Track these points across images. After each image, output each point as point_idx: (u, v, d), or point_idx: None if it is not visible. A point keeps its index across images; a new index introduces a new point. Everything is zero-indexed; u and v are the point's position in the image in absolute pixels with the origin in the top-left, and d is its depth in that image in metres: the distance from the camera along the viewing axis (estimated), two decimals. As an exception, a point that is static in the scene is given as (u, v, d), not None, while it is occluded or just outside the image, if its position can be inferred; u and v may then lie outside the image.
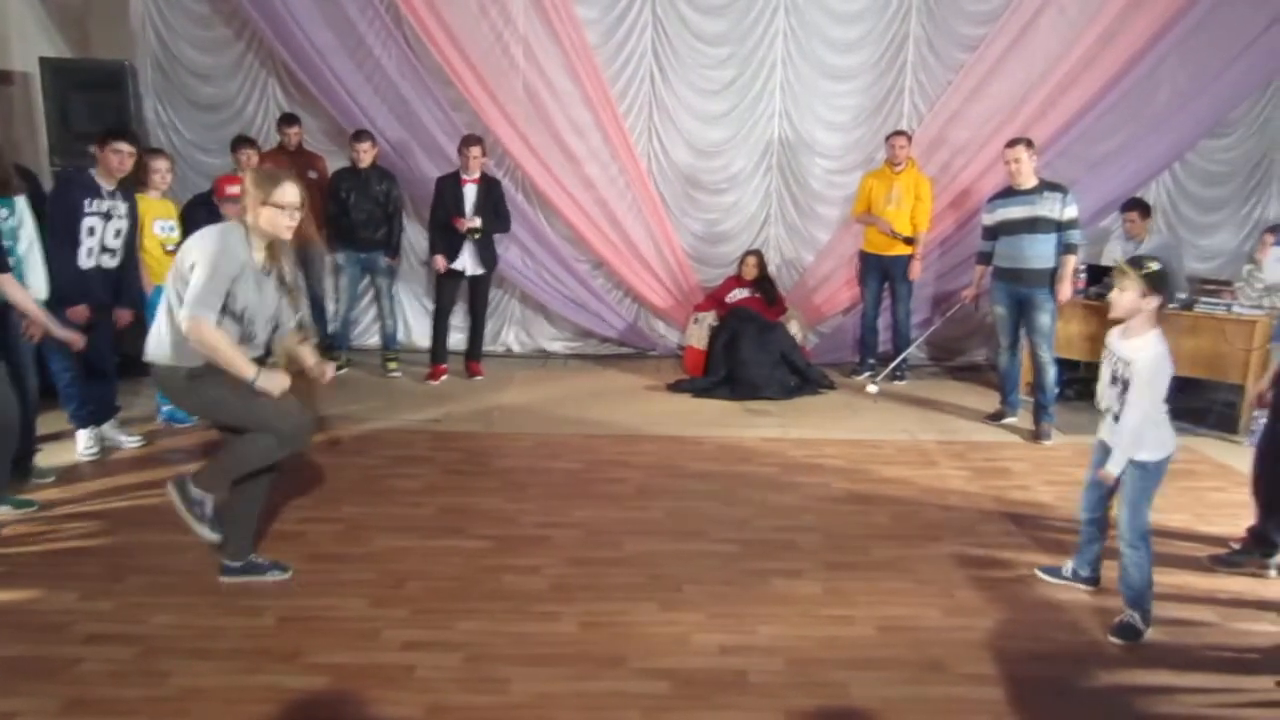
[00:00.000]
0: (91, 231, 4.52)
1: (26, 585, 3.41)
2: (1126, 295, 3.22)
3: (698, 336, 6.77)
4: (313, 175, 6.47)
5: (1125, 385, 3.24)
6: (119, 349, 4.92)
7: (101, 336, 4.67)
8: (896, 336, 6.76)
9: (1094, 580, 3.63)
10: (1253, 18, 6.68)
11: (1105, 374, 3.39)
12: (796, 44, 7.04)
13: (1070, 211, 5.43)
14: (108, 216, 4.58)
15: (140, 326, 5.00)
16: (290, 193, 3.15)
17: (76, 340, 4.16)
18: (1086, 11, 6.73)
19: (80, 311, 4.44)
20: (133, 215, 4.74)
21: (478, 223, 6.13)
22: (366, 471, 4.67)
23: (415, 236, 7.05)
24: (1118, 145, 7.03)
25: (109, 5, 6.71)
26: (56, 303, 4.38)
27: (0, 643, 3.04)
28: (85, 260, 4.52)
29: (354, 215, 6.22)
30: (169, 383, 3.25)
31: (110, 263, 4.66)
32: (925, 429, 5.68)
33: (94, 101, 6.04)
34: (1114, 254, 6.60)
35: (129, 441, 4.91)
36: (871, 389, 6.31)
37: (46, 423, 4.71)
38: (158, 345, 3.18)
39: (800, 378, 6.44)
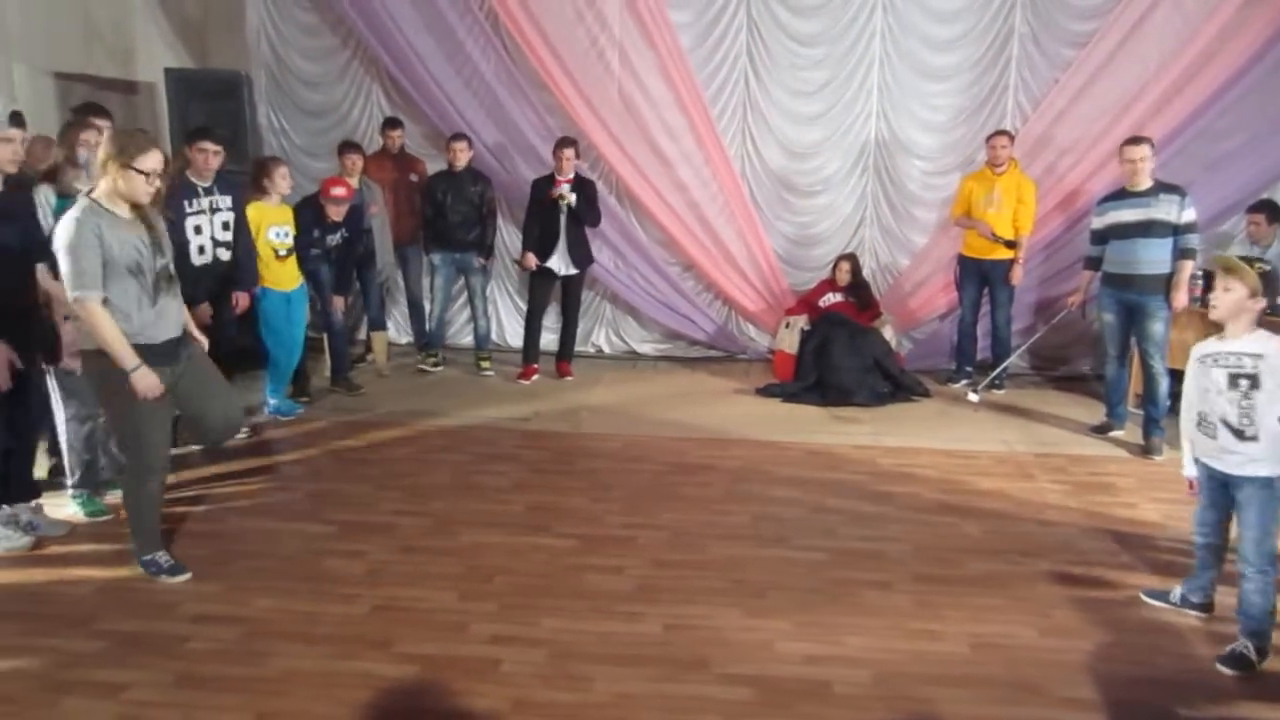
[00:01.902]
0: (199, 230, 4.76)
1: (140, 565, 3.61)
2: (1232, 295, 3.05)
3: (788, 340, 6.69)
4: (414, 178, 6.67)
5: (1252, 381, 3.02)
6: (234, 344, 5.15)
7: (218, 330, 4.88)
8: (995, 343, 6.55)
9: (1206, 607, 3.41)
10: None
11: (1205, 384, 3.17)
12: (894, 43, 6.89)
13: (1188, 214, 5.17)
14: (212, 211, 4.80)
15: (254, 316, 5.28)
16: (153, 159, 3.19)
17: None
18: (1205, 5, 6.38)
19: (204, 311, 4.66)
20: (239, 206, 4.96)
21: (571, 196, 6.19)
22: (457, 468, 4.78)
23: (510, 238, 7.18)
24: (1239, 144, 6.63)
25: (227, 17, 7.08)
26: None
27: (117, 618, 3.24)
28: (198, 258, 4.75)
29: (449, 217, 6.37)
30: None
31: (226, 255, 4.89)
32: (1024, 440, 5.48)
33: (212, 110, 6.37)
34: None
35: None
36: (973, 397, 6.13)
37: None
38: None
39: (893, 384, 6.30)
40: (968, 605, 3.48)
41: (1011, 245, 6.35)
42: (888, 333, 6.64)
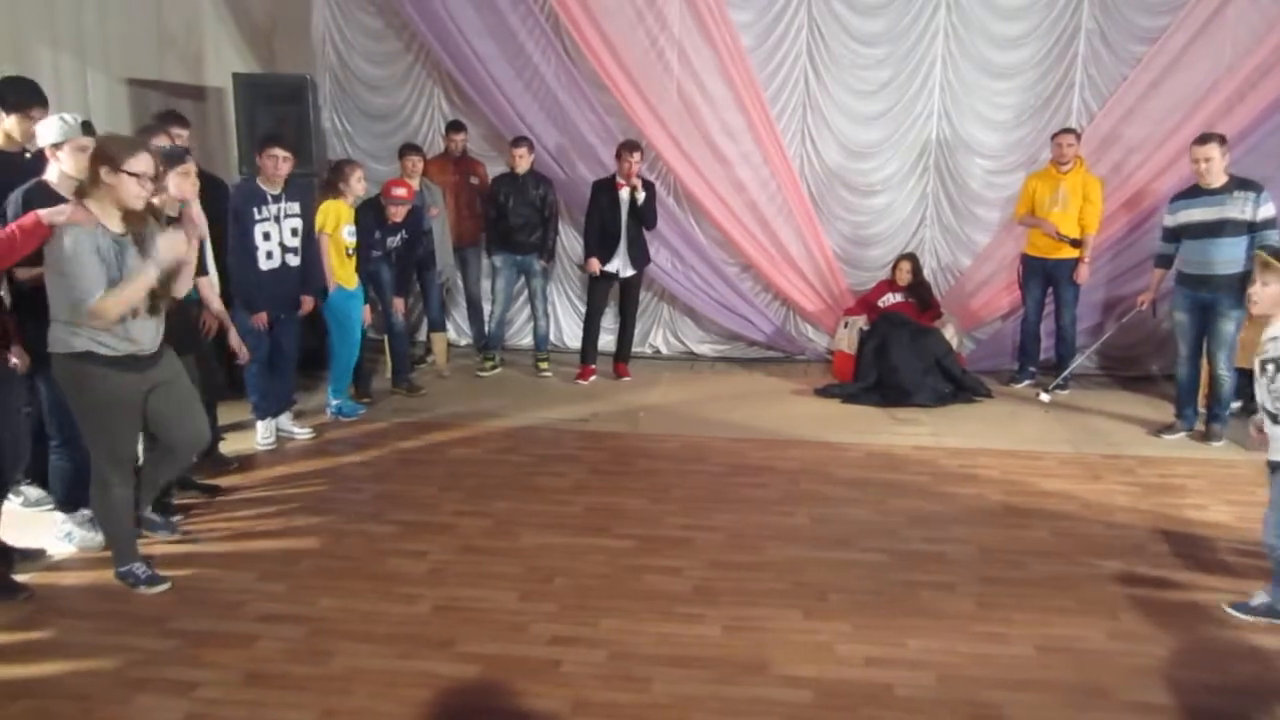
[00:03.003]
0: (267, 236, 4.87)
1: (208, 565, 3.73)
2: (1270, 290, 3.03)
3: (847, 341, 6.63)
4: (474, 180, 6.76)
5: (1277, 365, 3.01)
6: (300, 344, 5.29)
7: (285, 333, 5.05)
8: (1060, 344, 6.40)
9: None
10: None
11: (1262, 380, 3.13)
12: (957, 42, 6.78)
13: (1265, 211, 5.00)
14: (281, 218, 4.92)
15: (318, 318, 5.43)
16: (143, 161, 3.15)
17: (242, 353, 4.61)
18: (1282, -2, 6.17)
19: (261, 318, 4.83)
20: (307, 212, 5.08)
21: (641, 193, 6.22)
22: (517, 468, 4.83)
23: (569, 240, 7.23)
24: (1319, 139, 6.40)
25: (294, 23, 7.23)
26: (241, 306, 4.78)
27: (186, 616, 3.33)
28: (265, 263, 4.87)
29: (511, 219, 6.44)
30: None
31: (294, 260, 5.01)
32: (1090, 442, 5.35)
33: (278, 114, 6.52)
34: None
35: (301, 433, 5.28)
36: (1044, 397, 6.02)
37: (231, 412, 5.13)
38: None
39: (954, 385, 6.20)
40: (1034, 608, 3.42)
41: (1077, 244, 6.21)
42: (949, 333, 6.53)
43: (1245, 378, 5.77)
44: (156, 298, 3.30)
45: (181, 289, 3.50)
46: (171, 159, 3.76)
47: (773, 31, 6.86)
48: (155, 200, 3.39)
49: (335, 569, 3.69)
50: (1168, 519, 4.27)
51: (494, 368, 6.75)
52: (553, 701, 2.83)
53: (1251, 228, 5.00)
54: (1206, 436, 5.31)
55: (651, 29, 6.77)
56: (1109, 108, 6.66)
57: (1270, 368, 3.01)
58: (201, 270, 4.19)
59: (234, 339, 4.60)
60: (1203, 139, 5.17)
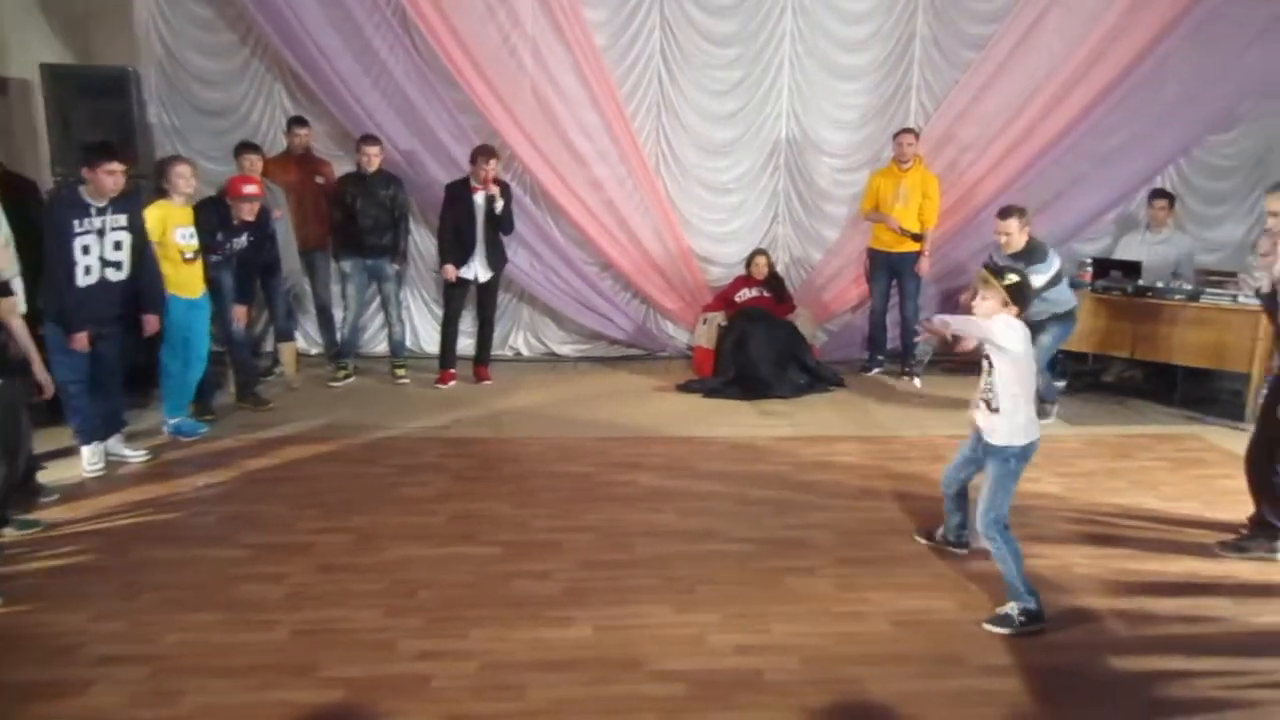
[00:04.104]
0: (86, 250, 4.44)
1: (35, 606, 3.37)
2: (988, 304, 3.30)
3: (707, 336, 6.75)
4: (320, 180, 6.47)
5: (989, 361, 3.34)
6: (127, 360, 4.90)
7: (109, 349, 4.61)
8: (904, 333, 6.74)
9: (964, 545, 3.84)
10: (1254, 15, 6.66)
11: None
12: (804, 44, 7.03)
13: (1038, 281, 5.11)
14: (103, 232, 4.49)
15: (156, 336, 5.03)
16: None
17: (47, 387, 4.13)
18: (1093, 8, 6.72)
19: (81, 340, 4.39)
20: (135, 224, 4.66)
21: (500, 201, 6.13)
22: (377, 481, 4.66)
23: (423, 242, 7.05)
24: (1124, 140, 7.00)
25: (112, 11, 6.67)
26: (56, 324, 4.36)
27: (8, 667, 3.00)
28: (84, 278, 4.44)
29: (360, 221, 6.20)
30: None
31: (116, 275, 4.57)
32: (937, 424, 5.66)
33: (95, 109, 6.00)
34: (1131, 246, 6.62)
35: (135, 456, 4.87)
36: (916, 383, 6.29)
37: (51, 438, 4.72)
38: None
39: (810, 376, 6.42)
40: (890, 585, 3.59)
41: (918, 238, 6.56)
42: (803, 326, 6.76)
43: (1071, 358, 6.34)
44: None
45: None
46: None
47: (626, 30, 6.90)
48: None
49: (181, 601, 3.43)
50: (1007, 494, 4.55)
51: (347, 377, 6.48)
52: (424, 719, 2.74)
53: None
54: (1037, 415, 5.66)
55: (504, 25, 6.68)
56: (943, 109, 7.07)
57: (986, 362, 3.36)
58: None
59: (39, 371, 4.10)
60: (1004, 212, 5.38)
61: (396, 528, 4.08)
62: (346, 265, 6.38)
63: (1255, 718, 2.81)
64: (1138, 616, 3.39)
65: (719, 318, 6.75)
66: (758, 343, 6.32)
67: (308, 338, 7.13)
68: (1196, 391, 6.16)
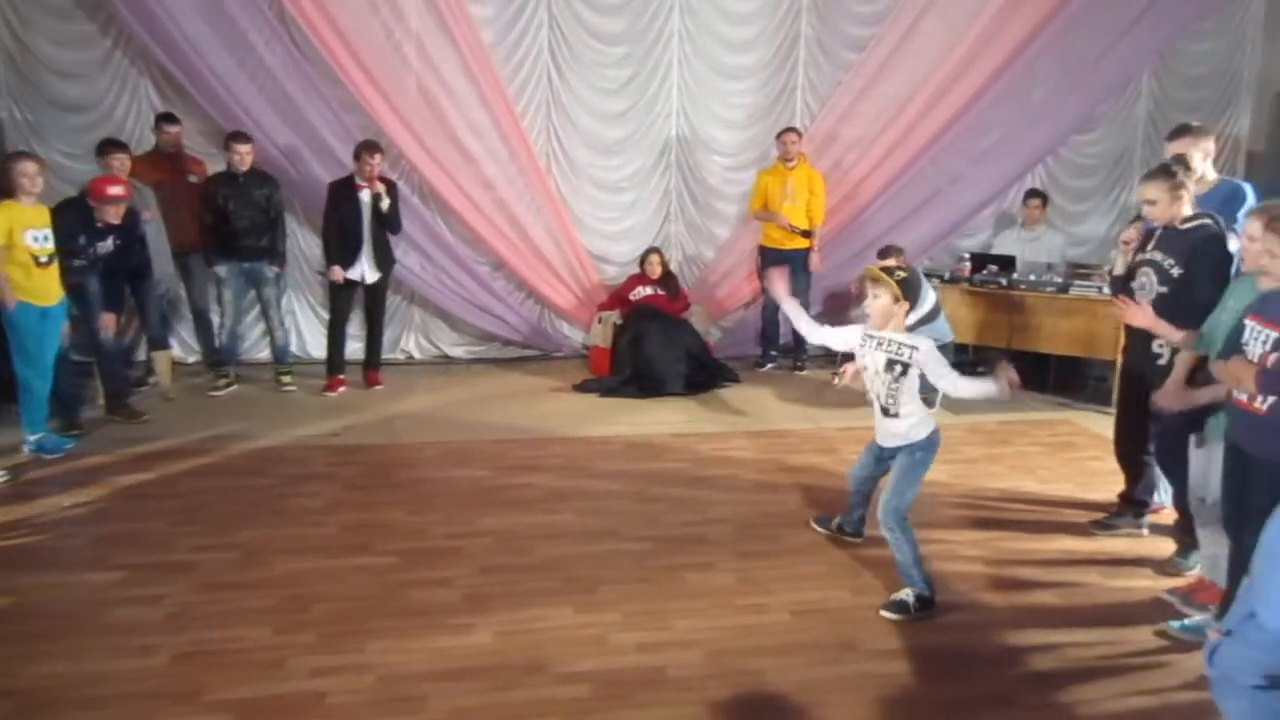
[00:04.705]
0: None
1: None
2: (881, 301, 3.39)
3: (602, 335, 6.75)
4: (193, 179, 6.17)
5: (904, 369, 3.39)
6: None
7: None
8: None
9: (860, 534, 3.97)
10: (1116, 21, 7.09)
11: (864, 362, 3.53)
12: (692, 44, 7.11)
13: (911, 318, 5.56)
14: None
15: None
16: None
17: None
18: (967, 14, 7.01)
19: None
20: None
21: (386, 200, 5.97)
22: (263, 493, 4.46)
23: (305, 243, 6.82)
24: (997, 140, 7.35)
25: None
26: None
27: None
28: None
29: (235, 223, 5.93)
30: None
31: None
32: (828, 417, 5.81)
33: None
34: (1007, 243, 6.96)
35: None
36: (837, 382, 6.41)
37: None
38: None
39: (706, 372, 6.50)
40: (788, 576, 3.66)
41: (807, 235, 6.72)
42: (698, 323, 6.83)
43: (955, 350, 6.59)
44: None
45: None
46: None
47: (514, 27, 6.83)
48: None
49: (47, 630, 3.20)
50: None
51: (228, 385, 6.20)
52: (317, 738, 2.64)
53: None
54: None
55: (387, 21, 6.51)
56: (828, 109, 7.26)
57: (898, 368, 3.40)
58: None
59: None
60: (883, 253, 5.84)
61: (285, 541, 3.92)
62: (221, 269, 6.08)
63: (1125, 683, 2.98)
64: (1018, 594, 3.55)
65: (614, 316, 6.76)
66: (653, 341, 6.35)
67: (184, 345, 6.79)
68: (1068, 378, 6.52)
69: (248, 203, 5.96)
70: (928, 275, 6.18)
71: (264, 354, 6.77)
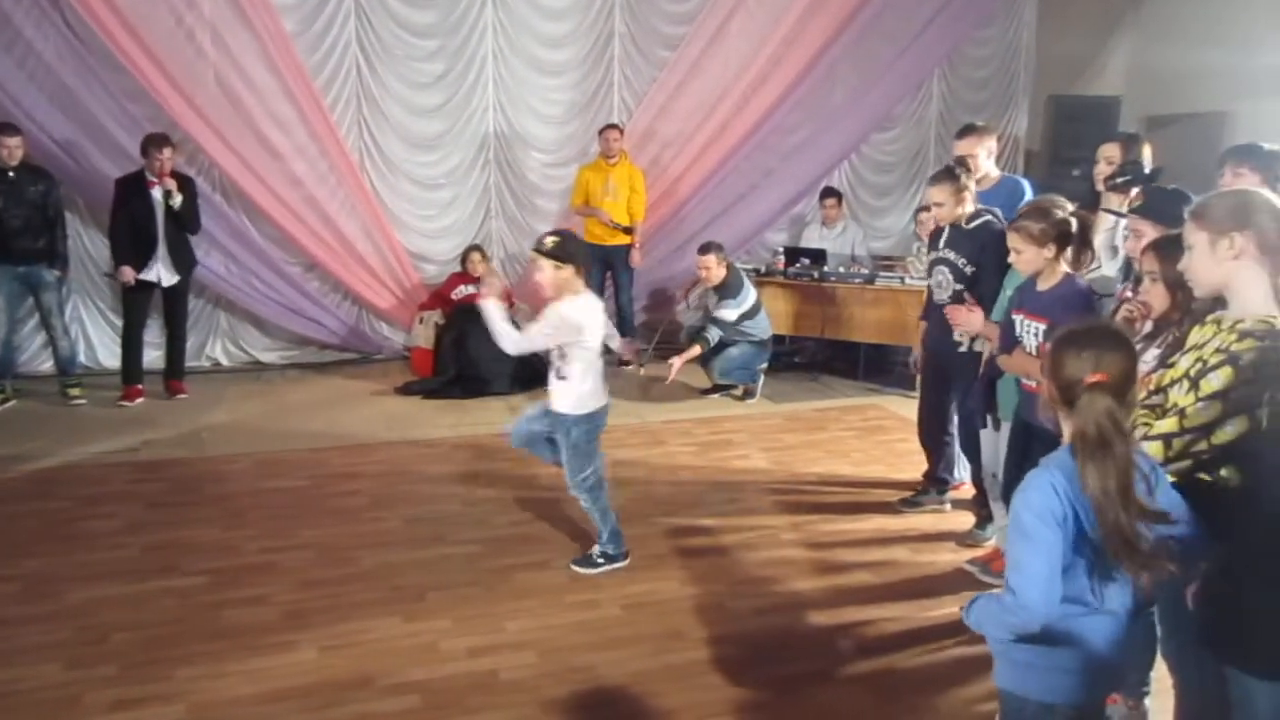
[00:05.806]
0: None
1: None
2: (546, 276, 3.53)
3: (424, 336, 6.60)
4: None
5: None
6: None
7: None
8: (621, 324, 6.98)
9: None
10: (908, 25, 7.62)
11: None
12: (507, 38, 7.05)
13: (732, 314, 6.04)
14: None
15: None
16: None
17: None
18: (771, 15, 7.33)
19: None
20: None
21: (177, 197, 5.58)
22: (50, 516, 4.08)
23: (91, 244, 6.28)
24: (804, 138, 7.73)
25: None
26: None
27: None
28: None
29: (6, 223, 5.37)
30: None
31: None
32: (653, 411, 5.93)
33: None
34: (811, 241, 7.32)
35: None
36: (643, 372, 6.51)
37: None
38: None
39: (531, 370, 6.46)
40: (619, 570, 3.70)
41: (629, 231, 6.83)
42: (522, 320, 6.78)
43: (778, 340, 6.89)
44: None
45: None
46: None
47: (318, 15, 6.55)
48: None
49: None
50: (721, 470, 4.89)
51: (4, 402, 5.62)
52: (119, 779, 2.45)
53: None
54: (744, 395, 6.23)
55: (176, 7, 6.08)
56: (644, 106, 7.39)
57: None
58: None
59: None
60: (703, 249, 6.12)
61: (78, 568, 3.61)
62: (-10, 276, 5.49)
63: (931, 651, 3.21)
64: (836, 575, 3.74)
65: (436, 316, 6.62)
66: (477, 340, 6.23)
67: (-51, 359, 6.09)
68: (876, 365, 6.95)
69: (20, 200, 5.41)
70: (746, 271, 6.44)
71: (47, 365, 6.18)
